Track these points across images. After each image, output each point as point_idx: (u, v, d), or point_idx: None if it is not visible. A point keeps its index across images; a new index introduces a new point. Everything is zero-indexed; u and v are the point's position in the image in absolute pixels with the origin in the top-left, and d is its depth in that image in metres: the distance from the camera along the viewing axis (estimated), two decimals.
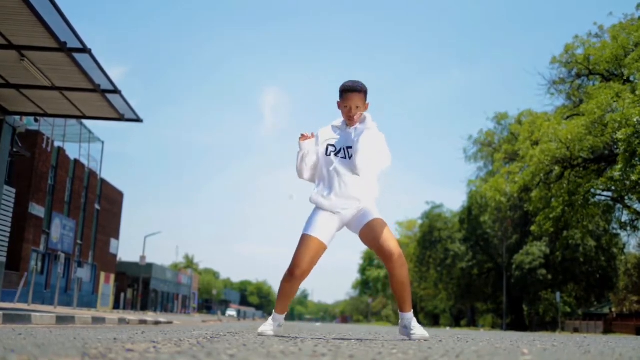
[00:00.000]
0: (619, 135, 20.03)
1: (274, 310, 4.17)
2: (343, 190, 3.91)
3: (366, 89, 4.03)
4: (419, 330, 3.89)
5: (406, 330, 3.94)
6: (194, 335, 3.96)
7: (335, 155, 3.97)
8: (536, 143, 26.00)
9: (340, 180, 3.92)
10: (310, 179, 4.13)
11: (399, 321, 4.04)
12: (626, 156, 20.17)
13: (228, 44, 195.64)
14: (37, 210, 25.13)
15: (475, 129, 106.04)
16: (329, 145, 4.01)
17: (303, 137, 4.05)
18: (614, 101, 21.68)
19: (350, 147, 3.96)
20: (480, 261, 44.22)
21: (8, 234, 12.12)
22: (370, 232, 3.91)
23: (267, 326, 4.06)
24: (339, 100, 4.06)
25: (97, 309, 30.32)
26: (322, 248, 3.93)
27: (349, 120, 4.01)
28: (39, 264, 26.05)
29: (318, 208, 3.99)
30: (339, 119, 4.13)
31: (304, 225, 3.99)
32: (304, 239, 3.91)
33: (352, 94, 3.98)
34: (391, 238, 3.90)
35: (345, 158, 3.96)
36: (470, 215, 41.88)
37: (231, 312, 68.45)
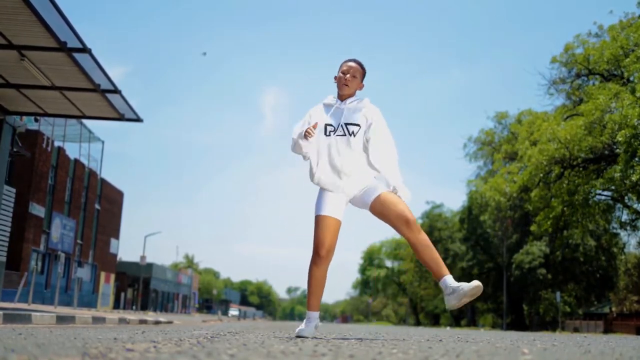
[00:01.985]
0: (619, 137, 20.04)
1: (307, 310, 4.05)
2: (345, 169, 3.87)
3: (365, 69, 4.07)
4: (467, 284, 3.64)
5: (455, 293, 3.65)
6: (194, 335, 3.97)
7: (335, 134, 3.92)
8: (535, 143, 26.01)
9: (341, 160, 3.88)
10: (306, 156, 4.02)
11: (444, 290, 3.76)
12: (626, 157, 20.18)
13: (228, 44, 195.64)
14: (37, 210, 25.13)
15: (476, 129, 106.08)
16: (326, 124, 3.95)
17: (308, 134, 3.88)
18: (613, 102, 21.69)
19: (349, 124, 3.93)
20: (480, 261, 44.22)
21: (8, 234, 12.13)
22: (382, 205, 3.86)
23: (305, 329, 3.94)
24: (336, 75, 4.06)
25: (97, 308, 30.32)
26: (338, 224, 3.91)
27: (341, 87, 3.99)
28: (39, 263, 26.05)
29: (323, 189, 3.96)
30: (330, 96, 4.09)
31: (315, 207, 3.95)
32: (319, 220, 3.88)
33: (350, 62, 4.04)
34: (404, 207, 3.84)
35: (345, 135, 3.91)
36: (470, 215, 41.89)
37: (233, 312, 68.41)
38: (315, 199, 4.02)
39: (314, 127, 3.87)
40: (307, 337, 3.82)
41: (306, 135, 3.88)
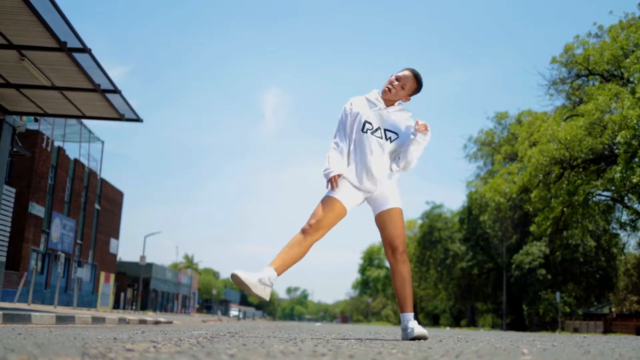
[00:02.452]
0: (619, 137, 20.03)
1: (267, 266, 3.62)
2: (373, 170, 3.85)
3: (421, 84, 4.05)
4: (417, 328, 3.77)
5: (405, 332, 3.84)
6: (194, 335, 3.96)
7: (372, 133, 3.90)
8: (535, 144, 26.02)
9: (373, 161, 3.86)
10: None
11: (401, 324, 3.95)
12: (626, 158, 20.17)
13: (228, 44, 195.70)
14: (37, 209, 25.13)
15: (476, 129, 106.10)
16: (366, 121, 3.92)
17: (333, 183, 3.83)
18: (613, 102, 21.69)
19: (389, 130, 3.92)
20: (480, 261, 44.23)
21: (8, 234, 12.13)
22: (384, 220, 3.89)
23: (251, 274, 3.49)
24: (391, 75, 4.05)
25: (97, 308, 30.32)
26: (344, 213, 3.85)
27: (384, 91, 3.97)
28: (39, 263, 26.05)
29: (345, 179, 3.91)
30: (375, 91, 4.06)
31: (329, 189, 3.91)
32: (328, 200, 3.82)
33: (406, 71, 4.02)
34: (400, 233, 3.88)
35: (382, 139, 3.90)
36: (470, 215, 41.90)
37: (234, 311, 68.33)
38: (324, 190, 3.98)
39: (337, 179, 3.82)
40: (244, 281, 3.43)
41: (330, 183, 3.84)
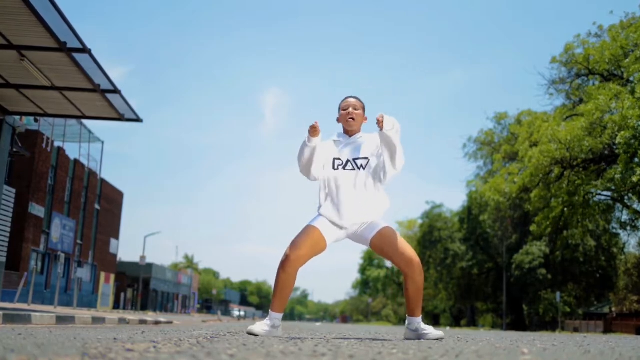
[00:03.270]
0: (619, 138, 20.03)
1: (270, 309, 3.97)
2: (353, 205, 3.89)
3: (364, 103, 4.12)
4: (433, 331, 3.92)
5: (417, 332, 3.93)
6: (194, 335, 3.96)
7: (344, 168, 3.93)
8: (535, 144, 26.01)
9: (345, 195, 3.89)
10: (315, 178, 4.00)
11: (407, 325, 4.01)
12: (626, 158, 20.16)
13: (228, 44, 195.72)
14: (37, 210, 25.13)
15: (475, 129, 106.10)
16: (334, 159, 3.96)
17: (314, 129, 3.84)
18: (613, 102, 21.68)
19: (358, 158, 3.94)
20: (480, 261, 44.22)
21: (8, 234, 12.13)
22: (384, 241, 3.91)
23: (259, 325, 3.86)
24: (338, 116, 4.12)
25: (97, 308, 30.32)
26: (323, 244, 3.89)
27: (348, 122, 4.01)
28: (39, 263, 26.05)
29: (319, 215, 3.98)
30: (339, 134, 4.12)
31: (310, 220, 3.97)
32: (306, 228, 3.89)
33: (350, 99, 4.10)
34: (407, 245, 3.93)
35: (353, 170, 3.93)
36: (470, 215, 41.90)
37: (237, 312, 68.29)
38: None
39: (317, 128, 3.84)
40: (257, 335, 3.76)
41: (311, 131, 3.83)
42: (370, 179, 3.95)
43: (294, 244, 3.83)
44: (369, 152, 3.99)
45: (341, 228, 3.93)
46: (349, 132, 4.07)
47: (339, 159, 3.96)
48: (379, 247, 3.93)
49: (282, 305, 3.93)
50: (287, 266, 3.81)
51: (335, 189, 3.92)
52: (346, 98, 4.11)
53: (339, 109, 4.11)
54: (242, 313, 66.83)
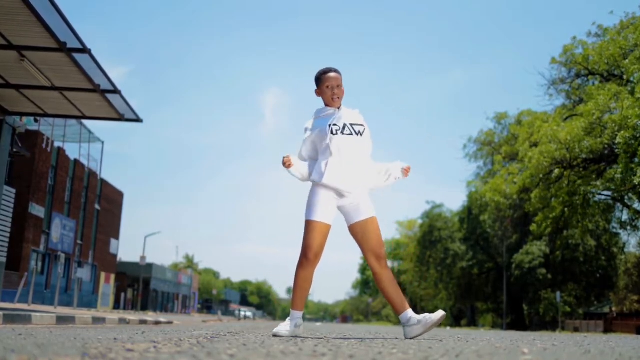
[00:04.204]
0: (619, 138, 20.02)
1: (291, 309, 4.09)
2: (355, 168, 3.90)
3: (341, 74, 4.09)
4: (433, 314, 3.89)
5: (421, 323, 3.87)
6: (194, 335, 3.97)
7: (342, 132, 3.91)
8: (535, 144, 26.00)
9: (351, 158, 3.89)
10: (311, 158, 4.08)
11: (404, 323, 3.97)
12: (626, 158, 20.15)
13: (228, 44, 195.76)
14: (37, 210, 25.13)
15: (476, 129, 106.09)
16: (330, 125, 3.92)
17: (287, 164, 3.94)
18: (613, 102, 21.67)
19: (354, 124, 3.95)
20: (480, 261, 44.22)
21: (8, 234, 12.12)
22: (363, 231, 3.95)
23: (283, 326, 3.99)
24: (317, 89, 4.07)
25: (97, 309, 30.32)
26: (328, 229, 3.95)
27: (333, 101, 4.00)
28: (39, 264, 26.05)
29: (318, 187, 3.93)
30: (321, 109, 4.09)
31: (306, 211, 3.94)
32: (311, 225, 3.90)
33: (331, 73, 4.04)
34: (381, 242, 3.99)
35: (352, 134, 3.92)
36: (470, 215, 41.90)
37: (246, 312, 68.15)
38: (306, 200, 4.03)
39: (288, 160, 3.94)
40: (283, 336, 3.88)
41: (286, 164, 3.94)
42: (367, 147, 3.99)
43: (308, 244, 3.89)
44: (363, 122, 4.03)
45: (342, 196, 3.92)
46: (331, 107, 4.06)
47: (335, 124, 3.93)
48: (357, 233, 3.98)
49: (303, 303, 4.11)
50: (308, 267, 3.92)
51: (337, 154, 3.88)
52: (327, 72, 4.04)
53: (319, 81, 4.04)
54: (249, 314, 66.70)
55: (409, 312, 3.95)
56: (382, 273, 3.95)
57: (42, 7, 7.35)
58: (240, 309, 76.78)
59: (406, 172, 4.15)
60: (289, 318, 4.07)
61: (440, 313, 3.88)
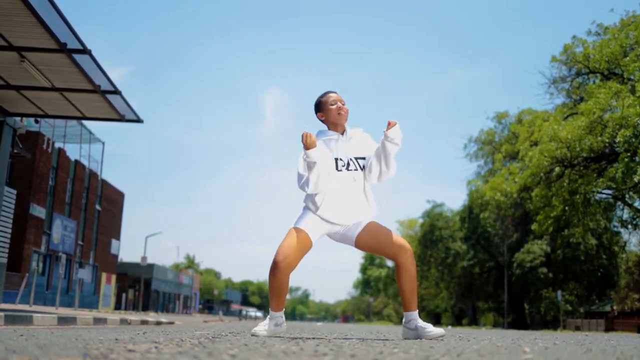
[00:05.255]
0: (619, 136, 20.01)
1: (270, 310, 4.01)
2: (352, 205, 3.86)
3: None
4: (434, 329, 3.83)
5: (417, 332, 3.84)
6: (196, 335, 3.97)
7: (347, 169, 3.87)
8: (536, 143, 25.99)
9: (352, 196, 3.86)
10: (322, 190, 3.84)
11: (405, 323, 3.92)
12: (626, 157, 20.14)
13: (228, 44, 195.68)
14: (38, 211, 25.14)
15: (476, 129, 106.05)
16: (336, 159, 3.87)
17: (309, 140, 3.71)
18: (614, 100, 21.66)
19: (358, 157, 3.90)
20: (481, 260, 44.21)
21: (9, 235, 12.13)
22: (371, 235, 3.86)
23: (262, 326, 3.94)
24: (319, 113, 4.00)
25: (98, 309, 30.33)
26: (309, 244, 3.83)
27: (340, 116, 3.92)
28: (40, 264, 26.06)
29: (310, 212, 3.89)
30: (324, 131, 4.00)
31: (295, 221, 3.93)
32: (292, 231, 3.84)
33: (332, 94, 4.00)
34: (395, 234, 3.88)
35: (357, 170, 3.88)
36: (471, 214, 41.89)
37: (256, 312, 68.16)
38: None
39: (310, 139, 3.74)
40: (260, 336, 3.83)
41: (307, 142, 3.72)
42: (365, 178, 3.95)
43: (282, 250, 3.77)
44: (365, 152, 3.96)
45: (333, 225, 3.88)
46: (336, 128, 3.97)
47: (340, 159, 3.88)
48: (366, 242, 3.87)
49: (281, 306, 3.97)
50: (277, 273, 3.77)
51: (337, 190, 3.85)
52: (327, 93, 4.01)
53: (321, 104, 3.98)
54: (260, 314, 66.58)
55: (413, 315, 3.88)
56: (406, 266, 3.80)
57: (42, 7, 7.35)
58: (249, 309, 76.69)
59: (390, 125, 3.81)
60: (268, 317, 4.00)
61: (440, 332, 3.82)
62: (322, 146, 3.90)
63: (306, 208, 3.94)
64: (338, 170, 3.86)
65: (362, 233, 3.87)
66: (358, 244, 3.90)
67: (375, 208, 3.97)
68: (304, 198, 3.97)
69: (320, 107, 4.01)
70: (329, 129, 4.01)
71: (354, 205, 3.86)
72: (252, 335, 3.88)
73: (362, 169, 3.90)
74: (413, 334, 3.87)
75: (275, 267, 3.77)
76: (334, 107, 3.94)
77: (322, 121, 4.04)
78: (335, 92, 4.03)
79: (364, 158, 3.93)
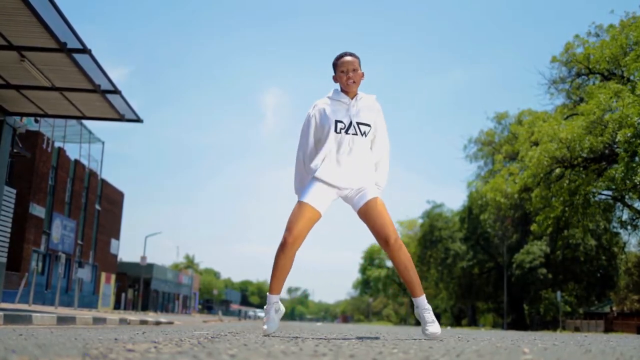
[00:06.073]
0: (619, 136, 20.00)
1: (268, 293, 3.96)
2: (351, 168, 3.85)
3: (359, 58, 4.00)
4: (432, 327, 3.86)
5: (422, 320, 3.90)
6: (195, 335, 3.97)
7: (347, 132, 3.86)
8: (536, 144, 25.99)
9: (350, 159, 3.85)
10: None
11: (414, 309, 3.97)
12: (626, 157, 20.14)
13: (228, 44, 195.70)
14: (38, 210, 25.14)
15: (476, 129, 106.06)
16: (337, 121, 3.87)
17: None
18: (614, 100, 21.66)
19: (361, 123, 3.89)
20: (481, 260, 44.23)
21: (9, 235, 12.12)
22: (368, 212, 3.86)
23: (267, 323, 3.90)
24: (334, 75, 4.00)
25: (97, 309, 30.33)
26: (317, 216, 3.84)
27: (348, 86, 3.91)
28: (40, 264, 26.06)
29: (317, 179, 3.88)
30: (337, 92, 3.99)
31: (301, 192, 3.92)
32: (300, 205, 3.82)
33: (346, 57, 3.96)
34: (388, 222, 3.85)
35: (357, 135, 3.87)
36: (470, 215, 41.90)
37: (259, 312, 68.10)
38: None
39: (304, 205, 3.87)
40: (271, 332, 3.86)
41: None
42: (369, 146, 3.96)
43: (290, 227, 3.78)
44: (371, 119, 3.96)
45: (337, 188, 3.88)
46: (348, 93, 3.97)
47: (341, 121, 3.87)
48: (364, 217, 3.90)
49: (281, 287, 3.94)
50: (286, 250, 3.79)
51: (336, 152, 3.85)
52: (342, 56, 3.96)
53: (335, 67, 3.97)
54: (262, 314, 66.49)
55: (418, 301, 3.91)
56: (393, 255, 3.83)
57: (42, 7, 7.35)
58: (256, 310, 76.51)
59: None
60: (266, 306, 3.95)
61: (437, 333, 3.89)
62: (326, 103, 3.95)
63: (309, 175, 3.95)
64: (337, 132, 3.86)
65: (364, 207, 3.87)
66: (359, 214, 3.93)
67: (381, 179, 4.01)
68: (310, 160, 3.97)
69: (334, 69, 4.01)
70: (341, 90, 4.01)
71: (352, 168, 3.86)
72: (265, 335, 3.84)
73: (362, 135, 3.89)
74: (419, 317, 3.93)
75: (285, 244, 3.78)
76: (343, 75, 3.93)
77: (335, 82, 4.04)
78: (350, 55, 3.97)
79: (367, 125, 3.92)
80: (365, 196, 3.88)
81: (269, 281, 3.99)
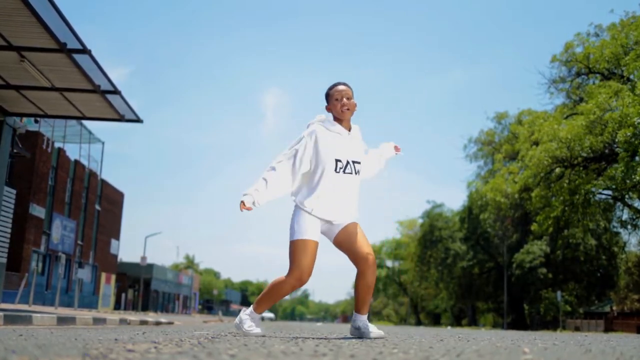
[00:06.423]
0: (619, 136, 20.00)
1: (252, 309, 4.03)
2: (348, 207, 3.95)
3: (352, 88, 4.06)
4: (375, 330, 3.99)
5: (360, 331, 3.98)
6: (195, 335, 3.97)
7: (345, 172, 3.90)
8: (536, 143, 25.99)
9: (347, 198, 3.94)
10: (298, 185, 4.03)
11: (352, 322, 4.08)
12: (626, 156, 20.14)
13: (228, 44, 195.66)
14: (38, 210, 25.13)
15: (476, 129, 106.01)
16: (336, 160, 3.89)
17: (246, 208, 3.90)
18: (614, 100, 21.66)
19: (356, 162, 3.96)
20: (481, 260, 44.22)
21: (8, 235, 12.12)
22: (347, 236, 3.94)
23: (250, 326, 4.00)
24: (327, 105, 4.03)
25: (98, 309, 30.33)
26: (317, 246, 3.93)
27: (343, 113, 3.92)
28: (40, 264, 26.06)
29: (304, 212, 3.89)
30: (332, 122, 3.99)
31: (292, 230, 3.89)
32: (304, 244, 3.83)
33: (340, 86, 4.00)
34: (367, 242, 3.97)
35: (352, 174, 3.93)
36: (470, 215, 41.89)
37: (269, 314, 68.23)
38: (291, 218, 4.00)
39: (248, 208, 3.90)
40: (256, 333, 3.97)
41: (241, 206, 3.90)
42: (359, 182, 4.04)
43: (304, 267, 3.81)
44: (362, 156, 4.09)
45: (327, 223, 3.94)
46: (342, 122, 3.98)
47: (339, 160, 3.90)
48: (342, 240, 3.95)
49: (262, 309, 4.06)
50: (298, 286, 3.90)
51: (332, 191, 3.88)
52: (335, 85, 4.01)
53: (328, 97, 4.00)
54: (272, 315, 66.68)
55: (362, 317, 4.00)
56: (365, 275, 3.92)
57: (42, 7, 7.35)
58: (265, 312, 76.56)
59: (397, 149, 4.43)
60: (249, 316, 4.03)
61: (380, 333, 3.98)
62: (326, 134, 3.93)
63: (299, 208, 3.93)
64: (336, 172, 3.90)
65: (341, 232, 3.95)
66: (336, 240, 3.98)
67: (357, 212, 4.11)
68: (297, 196, 3.98)
69: (327, 99, 4.04)
70: (334, 119, 4.04)
71: (346, 205, 3.94)
72: (246, 335, 3.92)
73: (356, 174, 3.96)
74: (356, 333, 4.01)
75: (300, 283, 3.86)
76: (338, 103, 3.95)
77: (328, 111, 4.07)
78: (344, 85, 4.01)
79: (359, 163, 4.01)
80: (344, 222, 3.99)
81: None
